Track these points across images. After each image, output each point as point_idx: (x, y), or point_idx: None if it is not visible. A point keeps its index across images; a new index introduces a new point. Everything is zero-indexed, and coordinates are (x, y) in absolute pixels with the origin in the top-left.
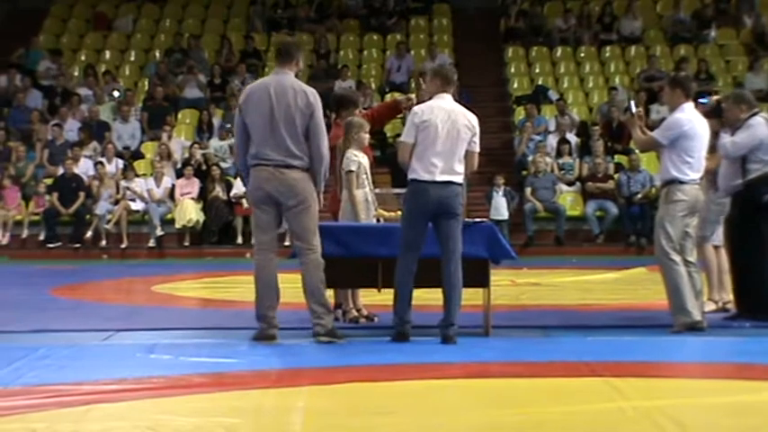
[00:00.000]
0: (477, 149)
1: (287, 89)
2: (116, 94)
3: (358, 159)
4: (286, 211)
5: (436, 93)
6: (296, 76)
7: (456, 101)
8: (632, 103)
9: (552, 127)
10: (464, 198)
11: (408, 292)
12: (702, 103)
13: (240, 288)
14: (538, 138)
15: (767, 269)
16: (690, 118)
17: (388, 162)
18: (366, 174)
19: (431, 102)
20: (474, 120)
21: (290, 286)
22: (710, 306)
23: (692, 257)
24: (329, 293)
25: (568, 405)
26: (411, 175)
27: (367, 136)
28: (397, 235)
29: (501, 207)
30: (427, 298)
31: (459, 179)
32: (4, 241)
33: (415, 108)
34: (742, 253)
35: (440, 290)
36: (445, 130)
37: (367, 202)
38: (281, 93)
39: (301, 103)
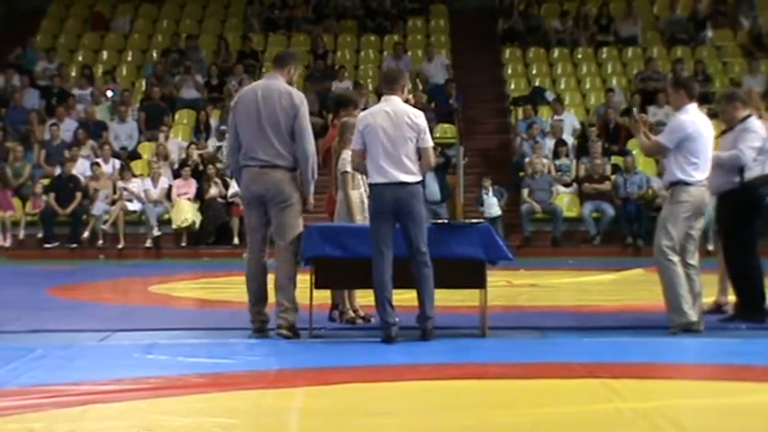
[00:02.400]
0: (429, 145)
1: (273, 92)
2: (109, 94)
3: None
4: (270, 208)
5: (384, 95)
6: (290, 81)
7: (452, 102)
8: (635, 108)
9: (548, 128)
10: (459, 197)
11: (387, 294)
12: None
13: (237, 288)
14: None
15: (760, 270)
16: (693, 119)
17: None
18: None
19: (374, 107)
20: (419, 117)
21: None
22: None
23: (694, 260)
24: (326, 294)
25: (565, 406)
26: (368, 180)
27: None
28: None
29: (493, 206)
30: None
31: (414, 178)
32: (6, 244)
33: (360, 115)
34: (737, 254)
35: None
36: (388, 131)
37: (362, 203)
38: (268, 96)
39: (286, 105)
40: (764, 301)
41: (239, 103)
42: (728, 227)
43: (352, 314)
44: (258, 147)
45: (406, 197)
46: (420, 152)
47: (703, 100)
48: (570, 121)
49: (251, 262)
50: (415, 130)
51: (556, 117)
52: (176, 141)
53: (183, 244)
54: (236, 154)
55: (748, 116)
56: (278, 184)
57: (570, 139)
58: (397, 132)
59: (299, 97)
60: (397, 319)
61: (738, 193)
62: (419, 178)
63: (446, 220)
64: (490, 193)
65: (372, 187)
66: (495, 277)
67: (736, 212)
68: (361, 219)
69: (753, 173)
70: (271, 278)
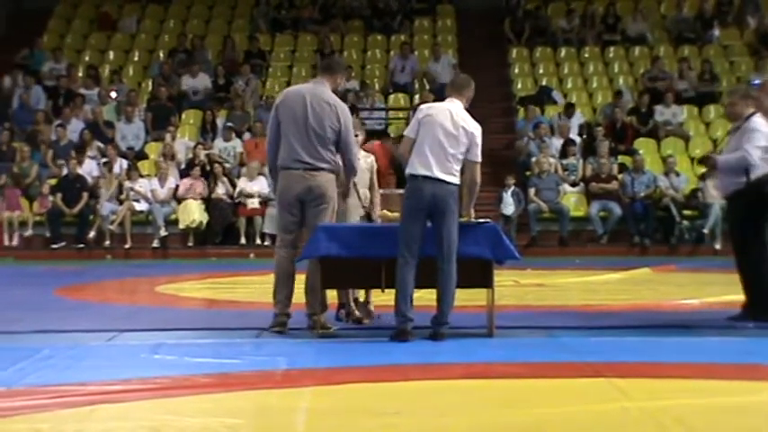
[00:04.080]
0: (478, 160)
1: (321, 102)
2: (113, 95)
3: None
4: (307, 209)
5: (448, 97)
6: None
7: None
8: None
9: (556, 125)
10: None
11: (409, 288)
12: (756, 85)
13: (244, 289)
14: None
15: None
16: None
17: (393, 163)
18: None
19: (437, 103)
20: (477, 129)
21: (296, 287)
22: None
23: None
24: (332, 293)
25: (572, 405)
26: (408, 170)
27: (360, 137)
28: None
29: (508, 205)
30: (430, 298)
31: (454, 180)
32: (14, 243)
33: (422, 105)
34: (747, 254)
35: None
36: (447, 128)
37: (359, 201)
38: (317, 104)
39: (334, 118)
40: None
41: (284, 104)
42: (738, 227)
43: (358, 314)
44: (303, 150)
45: (444, 195)
46: (466, 164)
47: (710, 99)
48: (576, 118)
49: (284, 261)
50: (469, 138)
51: (566, 118)
52: (183, 141)
53: (190, 244)
54: (274, 151)
55: (753, 113)
56: (321, 186)
57: (576, 138)
58: (454, 132)
59: (346, 112)
60: (413, 317)
61: (746, 193)
62: (458, 182)
63: None
64: (509, 192)
65: (411, 180)
66: (502, 277)
67: (745, 213)
68: (355, 218)
69: (759, 171)
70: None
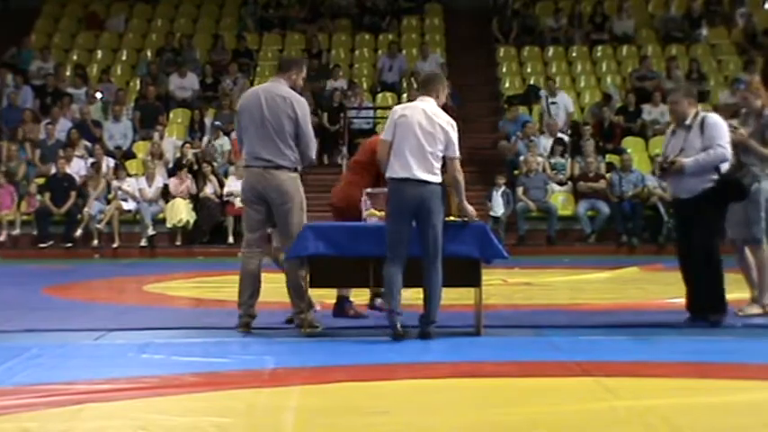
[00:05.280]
0: (457, 155)
1: (276, 97)
2: (99, 96)
3: None
4: (274, 209)
5: (419, 96)
6: (294, 86)
7: (447, 101)
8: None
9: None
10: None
11: (396, 288)
12: (741, 85)
13: (231, 288)
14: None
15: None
16: None
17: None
18: None
19: (410, 102)
20: (452, 125)
21: (284, 286)
22: (755, 309)
23: None
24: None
25: (560, 405)
26: (388, 174)
27: None
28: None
29: (497, 205)
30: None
31: (437, 179)
32: (1, 238)
33: (395, 107)
34: (712, 251)
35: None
36: (424, 127)
37: None
38: (271, 99)
39: (289, 111)
40: (724, 301)
41: (243, 107)
42: (707, 223)
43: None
44: (262, 147)
45: (428, 196)
46: (446, 162)
47: (699, 99)
48: (564, 102)
49: (249, 259)
50: (445, 135)
51: (551, 100)
52: (171, 140)
53: (178, 243)
54: (241, 145)
55: (698, 112)
56: (280, 185)
57: (567, 138)
58: (431, 129)
59: (302, 105)
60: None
61: (717, 189)
62: (440, 180)
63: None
64: (499, 192)
65: (392, 182)
66: (490, 276)
67: (714, 210)
68: None
69: (724, 167)
70: (274, 278)
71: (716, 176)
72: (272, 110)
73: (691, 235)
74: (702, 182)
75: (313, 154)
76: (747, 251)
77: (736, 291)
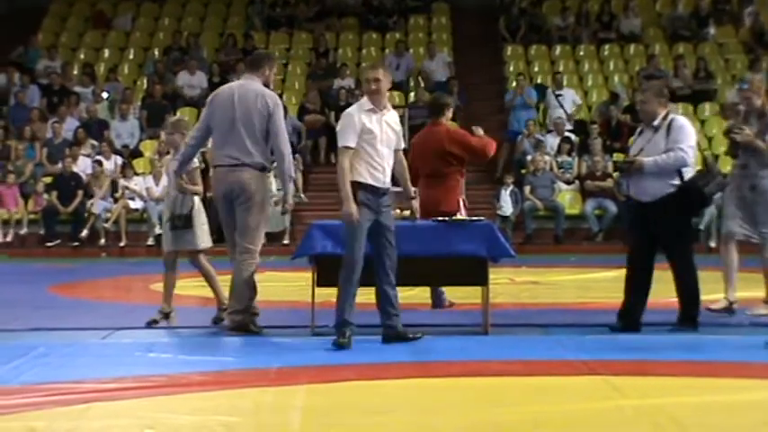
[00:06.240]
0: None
1: (248, 93)
2: (105, 95)
3: None
4: (235, 207)
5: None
6: (266, 82)
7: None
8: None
9: (551, 126)
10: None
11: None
12: (745, 86)
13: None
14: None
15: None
16: None
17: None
18: None
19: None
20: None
21: (290, 285)
22: (722, 304)
23: None
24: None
25: (567, 404)
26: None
27: None
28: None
29: (506, 204)
30: (426, 297)
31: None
32: (8, 239)
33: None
34: (684, 256)
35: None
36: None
37: None
38: (243, 96)
39: (261, 107)
40: (698, 307)
41: (214, 102)
42: (674, 229)
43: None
44: (229, 146)
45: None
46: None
47: (705, 97)
48: (570, 96)
49: (232, 259)
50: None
51: (557, 92)
52: None
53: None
54: (196, 148)
55: (668, 113)
56: (243, 183)
57: (574, 137)
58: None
59: (274, 99)
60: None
61: (679, 195)
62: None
63: (448, 218)
64: (507, 192)
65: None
66: (497, 274)
67: (677, 215)
68: None
69: (690, 171)
70: (282, 277)
71: (678, 182)
72: (243, 108)
73: (648, 240)
74: (665, 186)
75: (286, 149)
76: (734, 249)
77: (744, 289)
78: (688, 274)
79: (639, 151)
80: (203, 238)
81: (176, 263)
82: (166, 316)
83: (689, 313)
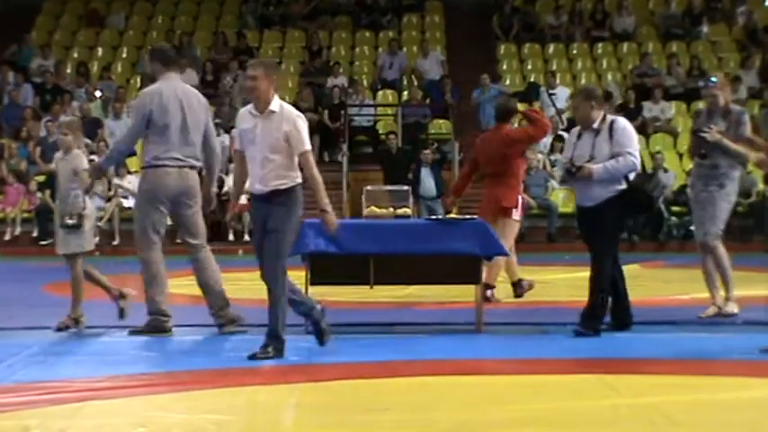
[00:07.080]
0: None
1: (189, 93)
2: (98, 94)
3: None
4: (183, 210)
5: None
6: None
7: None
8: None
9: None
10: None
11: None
12: (712, 83)
13: (232, 285)
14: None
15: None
16: None
17: (381, 159)
18: None
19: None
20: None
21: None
22: (712, 311)
23: None
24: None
25: (562, 402)
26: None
27: None
28: (389, 231)
29: None
30: (420, 295)
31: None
32: (6, 237)
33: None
34: (610, 258)
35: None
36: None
37: None
38: (187, 96)
39: (203, 105)
40: (605, 310)
41: (155, 102)
42: (603, 229)
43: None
44: (181, 148)
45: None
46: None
47: (698, 95)
48: (563, 95)
49: (161, 261)
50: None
51: (551, 91)
52: None
53: (178, 240)
54: (131, 145)
55: (605, 116)
56: (194, 186)
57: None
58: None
59: (203, 97)
60: None
61: (627, 196)
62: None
63: (441, 216)
64: None
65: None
66: None
67: (617, 218)
68: None
69: (632, 175)
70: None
71: (622, 185)
72: (192, 111)
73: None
74: (607, 190)
75: (217, 145)
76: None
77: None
78: (600, 275)
79: (590, 159)
80: (90, 240)
81: (78, 263)
82: (76, 321)
83: (590, 312)
